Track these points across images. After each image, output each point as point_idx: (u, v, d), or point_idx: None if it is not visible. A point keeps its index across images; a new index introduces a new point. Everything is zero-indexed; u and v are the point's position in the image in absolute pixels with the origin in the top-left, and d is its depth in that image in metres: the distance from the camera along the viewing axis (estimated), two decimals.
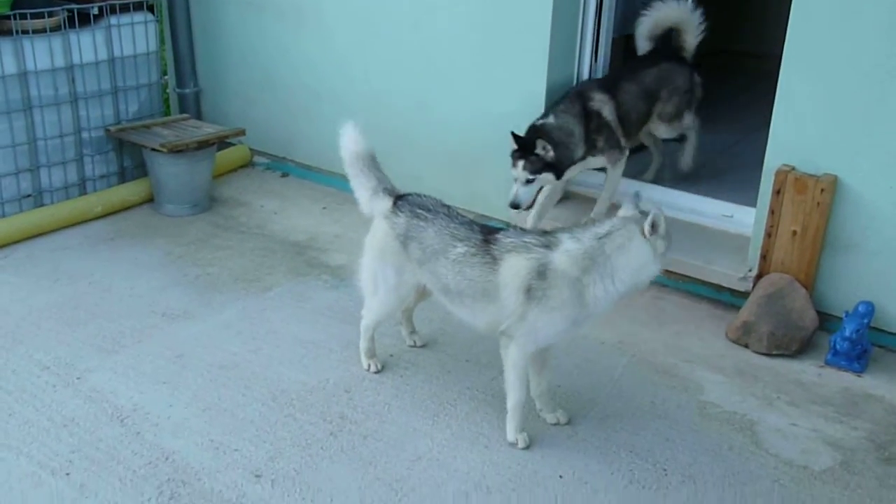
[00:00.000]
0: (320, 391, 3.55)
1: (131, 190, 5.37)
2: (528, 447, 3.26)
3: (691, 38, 4.90)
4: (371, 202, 3.49)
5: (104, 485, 3.01)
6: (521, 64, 4.72)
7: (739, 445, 3.32)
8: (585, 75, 4.91)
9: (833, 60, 3.80)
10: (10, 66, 4.78)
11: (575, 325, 3.14)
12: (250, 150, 6.05)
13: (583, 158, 4.46)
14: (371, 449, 3.24)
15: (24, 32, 4.80)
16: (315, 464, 3.16)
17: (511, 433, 3.28)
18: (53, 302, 4.18)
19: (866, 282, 3.94)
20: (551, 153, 4.18)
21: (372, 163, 3.52)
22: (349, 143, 3.52)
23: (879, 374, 3.81)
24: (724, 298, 4.31)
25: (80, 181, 5.27)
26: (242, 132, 5.58)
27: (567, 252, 3.05)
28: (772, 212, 4.02)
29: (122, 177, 5.47)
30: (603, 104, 4.48)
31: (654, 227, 3.00)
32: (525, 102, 4.63)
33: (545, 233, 3.23)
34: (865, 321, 3.79)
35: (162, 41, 5.89)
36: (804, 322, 3.91)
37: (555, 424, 3.40)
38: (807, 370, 3.83)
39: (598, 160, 4.57)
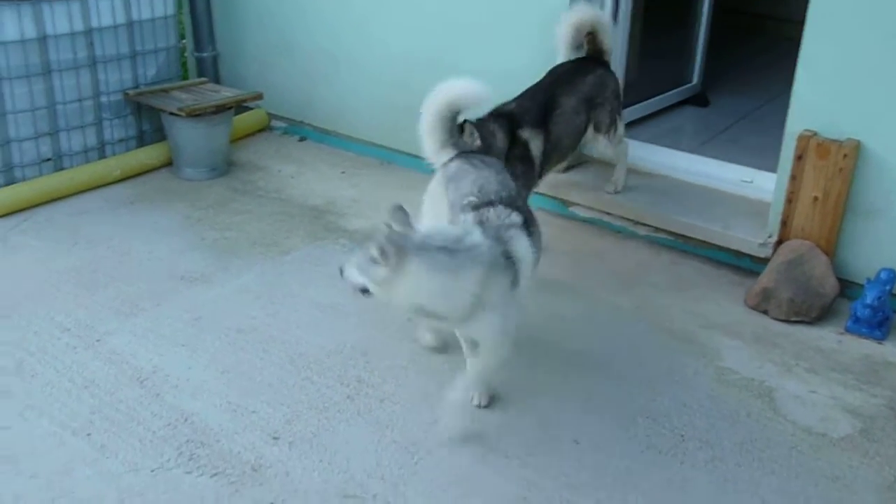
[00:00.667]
0: (337, 354, 3.57)
1: (150, 154, 5.38)
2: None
3: (608, 39, 4.40)
4: (438, 154, 3.43)
5: (124, 445, 3.05)
6: (540, 23, 4.65)
7: (757, 412, 3.31)
8: None
9: (857, 23, 3.73)
10: (30, 31, 4.77)
11: None
12: (268, 114, 6.04)
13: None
14: (388, 412, 3.26)
15: None
16: (332, 426, 3.18)
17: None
18: (73, 265, 4.21)
19: (888, 249, 3.89)
20: (478, 142, 3.77)
21: (453, 121, 3.42)
22: (461, 90, 3.32)
23: None
24: (744, 264, 4.28)
25: (99, 145, 5.28)
26: (260, 96, 5.56)
27: None
28: (793, 177, 3.97)
29: (141, 141, 5.47)
30: (532, 138, 4.03)
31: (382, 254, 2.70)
32: (546, 58, 4.56)
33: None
34: (887, 288, 3.75)
35: (179, 5, 5.86)
36: (825, 289, 3.88)
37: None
38: (826, 337, 3.80)
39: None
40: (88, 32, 5.05)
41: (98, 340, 3.64)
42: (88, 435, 3.09)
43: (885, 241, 3.89)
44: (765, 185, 4.40)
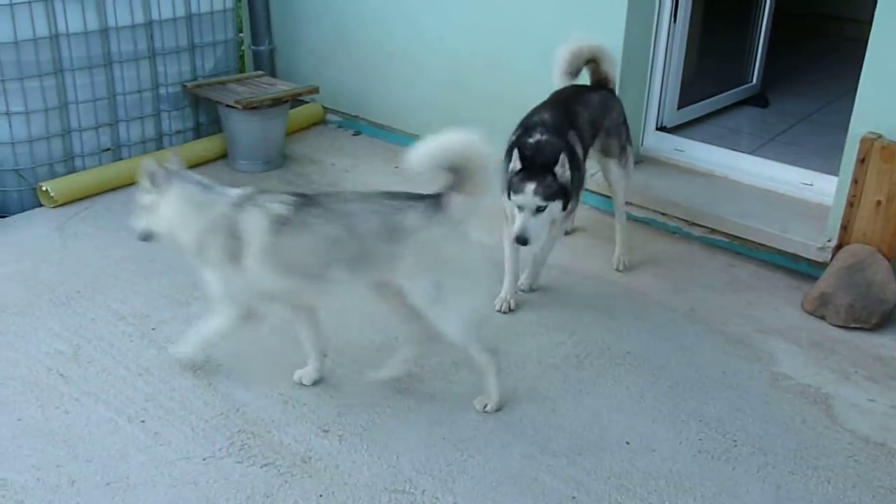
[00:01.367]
0: (388, 349, 3.57)
1: (206, 145, 5.44)
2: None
3: (611, 68, 4.15)
4: None
5: (177, 433, 3.09)
6: (598, 21, 4.62)
7: (813, 419, 3.25)
8: (664, 35, 4.78)
9: None
10: (93, 23, 4.85)
11: None
12: (323, 107, 6.07)
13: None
14: (437, 409, 3.26)
15: None
16: (381, 421, 3.19)
17: None
18: (130, 254, 4.27)
19: None
20: (568, 174, 3.50)
21: None
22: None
23: None
24: (801, 268, 4.20)
25: (157, 136, 5.35)
26: (316, 90, 5.60)
27: None
28: (855, 181, 3.88)
29: (198, 132, 5.54)
30: (575, 142, 3.77)
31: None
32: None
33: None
34: None
35: None
36: (885, 295, 3.79)
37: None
38: (887, 345, 3.71)
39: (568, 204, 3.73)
40: (149, 25, 5.12)
41: (153, 329, 3.69)
42: (143, 422, 3.14)
43: None
44: (825, 188, 4.32)
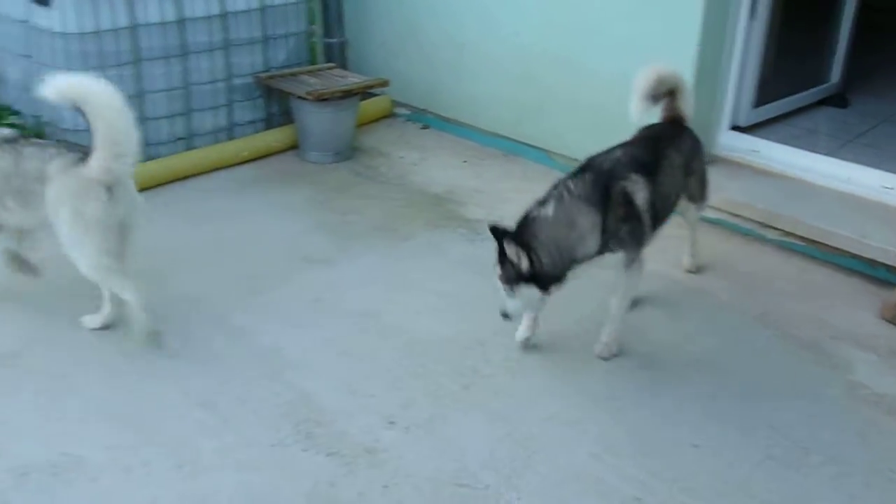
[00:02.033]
0: (454, 343, 3.57)
1: (276, 136, 5.50)
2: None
3: (687, 105, 3.82)
4: None
5: (245, 420, 3.12)
6: (674, 18, 4.54)
7: (890, 430, 3.15)
8: (741, 31, 4.69)
9: None
10: (170, 13, 4.93)
11: None
12: (392, 100, 6.09)
13: (594, 256, 3.34)
14: (503, 404, 3.24)
15: None
16: (447, 415, 3.18)
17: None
18: (201, 241, 4.34)
19: None
20: (524, 263, 3.17)
21: None
22: None
23: None
24: (879, 275, 4.08)
25: (229, 126, 5.42)
26: (386, 83, 5.62)
27: None
28: None
29: (269, 123, 5.59)
30: (637, 188, 3.40)
31: None
32: (676, 62, 4.44)
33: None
34: None
35: None
36: None
37: None
38: None
39: (613, 258, 3.42)
40: (224, 16, 5.19)
41: (222, 316, 3.74)
42: (212, 408, 3.18)
43: None
44: None
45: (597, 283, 3.58)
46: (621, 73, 4.37)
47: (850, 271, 4.17)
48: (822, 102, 5.68)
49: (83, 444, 2.98)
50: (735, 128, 4.96)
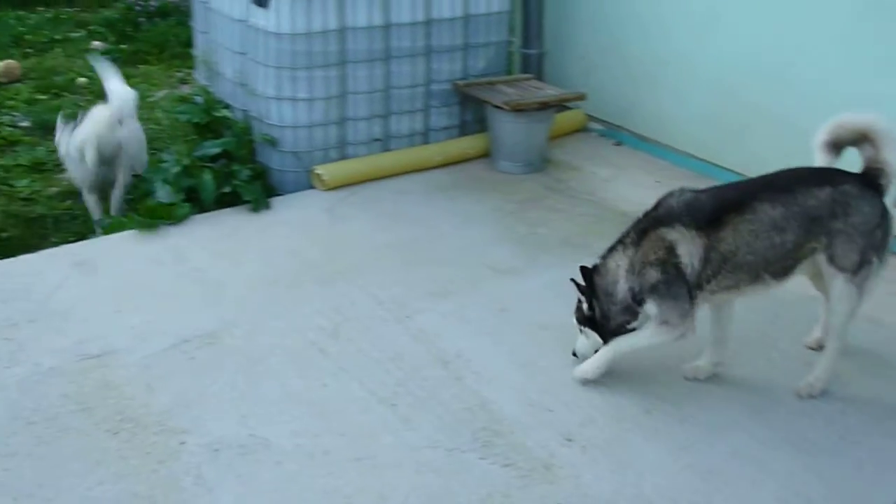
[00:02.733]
0: (637, 365, 3.47)
1: (470, 143, 5.55)
2: None
3: (892, 158, 3.18)
4: None
5: (425, 421, 3.16)
6: (894, 41, 4.25)
7: None
8: None
9: None
10: (377, 18, 5.08)
11: None
12: (585, 115, 6.03)
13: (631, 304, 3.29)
14: (686, 434, 3.13)
15: None
16: (626, 438, 3.11)
17: None
18: (392, 242, 4.43)
19: None
20: (585, 307, 3.37)
21: None
22: None
23: None
24: None
25: (424, 130, 5.52)
26: (583, 97, 5.57)
27: None
28: None
29: (463, 130, 5.66)
30: (682, 239, 3.19)
31: None
32: None
33: None
34: None
35: (514, 2, 5.99)
36: None
37: None
38: None
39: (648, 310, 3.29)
40: (428, 23, 5.29)
41: (408, 317, 3.80)
42: (394, 405, 3.23)
43: None
44: None
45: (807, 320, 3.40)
46: (832, 96, 4.15)
47: None
48: None
49: (271, 428, 3.10)
50: None
